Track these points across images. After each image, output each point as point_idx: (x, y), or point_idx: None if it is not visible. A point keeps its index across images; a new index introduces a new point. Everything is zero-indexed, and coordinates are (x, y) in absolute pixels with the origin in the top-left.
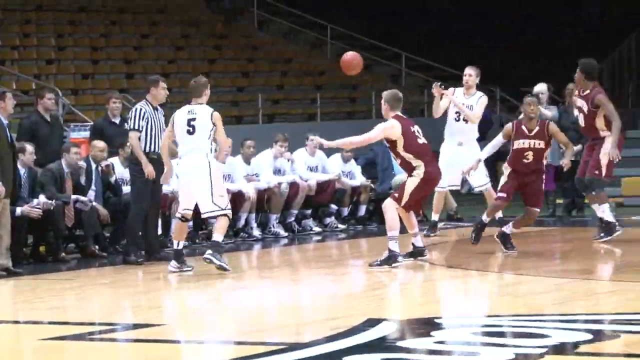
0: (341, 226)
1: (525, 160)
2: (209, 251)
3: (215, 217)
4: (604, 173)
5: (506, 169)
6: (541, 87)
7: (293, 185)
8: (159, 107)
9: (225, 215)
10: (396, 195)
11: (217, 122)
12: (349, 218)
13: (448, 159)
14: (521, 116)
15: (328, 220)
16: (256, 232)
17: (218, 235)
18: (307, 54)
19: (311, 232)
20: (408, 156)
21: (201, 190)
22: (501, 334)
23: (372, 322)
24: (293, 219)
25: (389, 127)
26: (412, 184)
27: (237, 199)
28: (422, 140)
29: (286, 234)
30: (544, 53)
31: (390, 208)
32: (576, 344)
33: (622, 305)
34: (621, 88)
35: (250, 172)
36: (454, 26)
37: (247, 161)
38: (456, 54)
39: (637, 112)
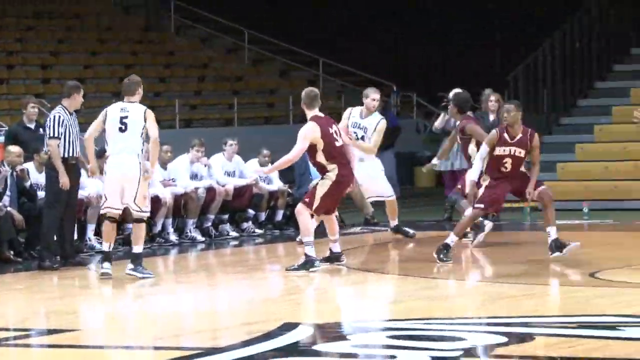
0: (258, 231)
1: (504, 169)
2: (130, 266)
3: (133, 219)
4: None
5: (484, 180)
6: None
7: (210, 190)
8: (74, 112)
9: (142, 220)
10: (307, 200)
11: (148, 118)
12: (266, 223)
13: None
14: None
15: (245, 225)
16: (173, 237)
17: (138, 247)
18: (224, 59)
19: (228, 237)
20: (323, 159)
21: (128, 188)
22: (417, 337)
23: (288, 327)
24: (210, 223)
25: (310, 131)
26: (323, 187)
27: (153, 204)
28: (339, 142)
29: (203, 239)
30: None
31: (302, 213)
32: (491, 347)
33: (537, 308)
34: (536, 94)
35: (167, 177)
36: (372, 30)
37: (164, 166)
38: (375, 58)
39: (551, 118)
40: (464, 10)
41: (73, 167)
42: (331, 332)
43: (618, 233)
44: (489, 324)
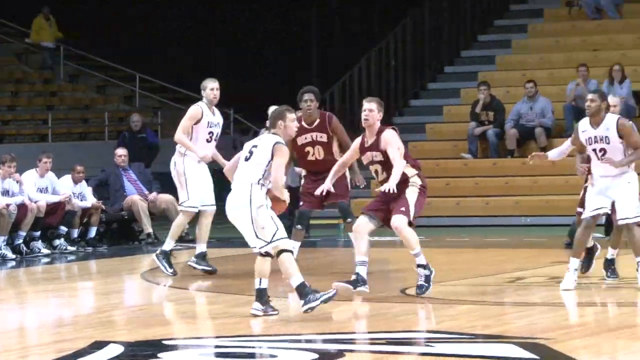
0: (71, 248)
1: None
2: (257, 305)
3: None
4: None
5: None
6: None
7: (22, 207)
8: None
9: (268, 255)
10: (403, 210)
11: (276, 154)
12: (79, 240)
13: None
14: None
15: (57, 242)
16: None
17: (295, 280)
18: (38, 74)
19: (40, 254)
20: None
21: (241, 220)
22: (229, 355)
23: (98, 345)
24: (21, 240)
25: (397, 137)
26: (413, 194)
27: None
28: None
29: (14, 256)
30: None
31: (404, 227)
32: None
33: (347, 325)
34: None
35: None
36: (189, 46)
37: None
38: (192, 75)
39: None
40: (279, 28)
41: None
42: (142, 350)
43: (429, 250)
44: (300, 341)
